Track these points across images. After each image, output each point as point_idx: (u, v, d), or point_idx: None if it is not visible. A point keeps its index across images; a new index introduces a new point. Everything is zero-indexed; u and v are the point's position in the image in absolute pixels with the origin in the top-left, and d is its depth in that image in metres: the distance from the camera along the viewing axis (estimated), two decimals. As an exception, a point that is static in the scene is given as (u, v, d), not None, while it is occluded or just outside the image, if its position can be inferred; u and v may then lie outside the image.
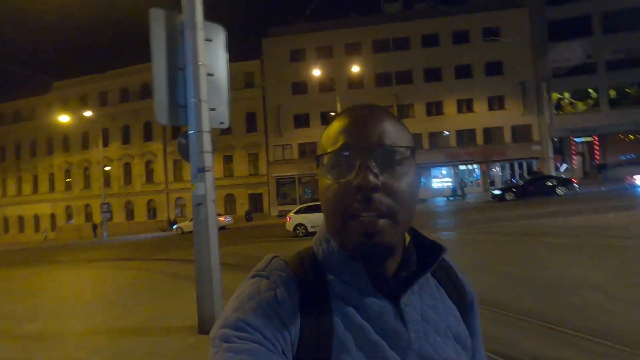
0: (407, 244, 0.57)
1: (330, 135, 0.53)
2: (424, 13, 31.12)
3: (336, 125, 0.53)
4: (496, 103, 29.54)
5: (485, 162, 29.19)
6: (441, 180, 29.99)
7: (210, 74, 4.06)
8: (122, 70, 33.98)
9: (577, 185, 18.68)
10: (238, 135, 30.68)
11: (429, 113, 30.17)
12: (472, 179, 29.97)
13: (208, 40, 4.07)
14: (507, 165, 29.41)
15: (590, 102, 28.22)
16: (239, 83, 30.81)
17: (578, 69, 28.02)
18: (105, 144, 31.98)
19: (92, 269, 10.96)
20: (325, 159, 0.51)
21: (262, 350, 0.45)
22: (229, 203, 31.35)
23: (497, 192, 19.81)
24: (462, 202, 23.96)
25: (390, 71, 30.31)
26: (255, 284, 0.51)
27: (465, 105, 29.93)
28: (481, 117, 29.46)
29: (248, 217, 27.52)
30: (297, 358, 0.48)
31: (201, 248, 3.95)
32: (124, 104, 33.54)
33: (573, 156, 28.91)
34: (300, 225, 13.86)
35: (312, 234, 12.35)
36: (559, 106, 28.70)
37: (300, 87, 30.80)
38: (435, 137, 30.01)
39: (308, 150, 30.70)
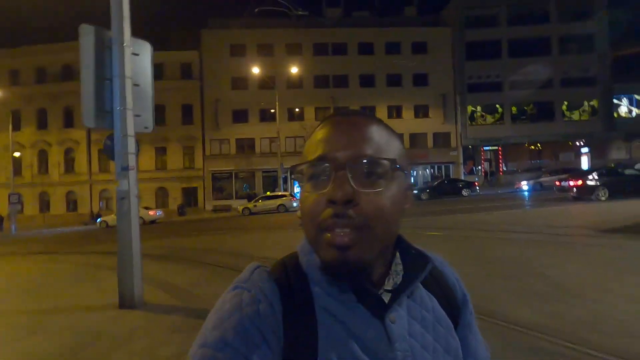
0: (392, 256, 0.56)
1: (311, 144, 0.52)
2: (361, 22, 33.12)
3: (317, 134, 0.52)
4: (421, 111, 32.62)
5: (411, 165, 32.07)
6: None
7: (136, 84, 4.64)
8: (39, 47, 30.82)
9: (477, 188, 21.83)
10: (173, 127, 29.80)
11: (362, 116, 32.24)
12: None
13: (135, 54, 4.65)
14: (429, 168, 32.74)
15: (497, 115, 32.58)
16: (175, 73, 29.98)
17: (488, 86, 32.19)
18: (17, 127, 28.87)
19: (1, 262, 10.43)
20: (303, 169, 0.50)
21: None
22: (161, 197, 30.39)
23: (414, 192, 22.34)
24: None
25: (328, 74, 31.78)
26: (236, 298, 0.49)
27: (395, 112, 32.56)
28: (408, 123, 32.31)
29: (181, 211, 27.05)
30: None
31: (124, 235, 4.49)
32: (41, 86, 30.48)
33: (482, 162, 33.11)
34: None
35: None
36: (472, 118, 32.66)
37: (240, 82, 30.88)
38: (367, 139, 32.18)
39: (246, 146, 30.97)
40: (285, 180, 29.99)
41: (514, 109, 32.44)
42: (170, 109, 29.79)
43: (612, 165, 21.11)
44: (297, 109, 31.55)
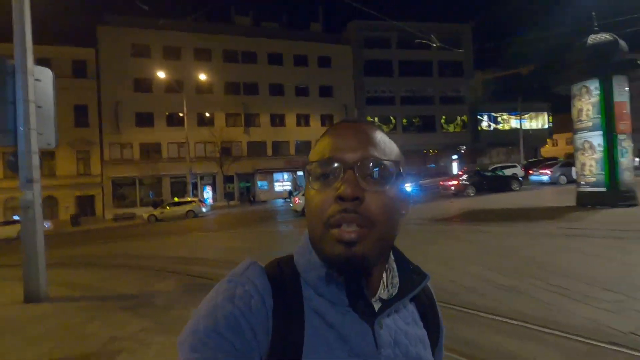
0: (388, 265, 0.58)
1: (319, 147, 0.54)
2: (270, 33, 34.57)
3: (325, 138, 0.55)
4: (327, 120, 35.40)
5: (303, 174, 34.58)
6: (282, 184, 33.86)
7: (39, 107, 5.23)
8: None
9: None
10: (63, 129, 26.91)
11: (273, 124, 33.65)
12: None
13: (37, 80, 5.25)
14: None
15: (391, 126, 37.25)
16: (66, 70, 27.29)
17: (384, 100, 36.67)
18: None
19: None
20: (312, 169, 0.52)
21: None
22: (50, 206, 27.26)
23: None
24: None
25: (238, 81, 32.42)
26: (230, 290, 0.50)
27: (303, 120, 34.75)
28: (315, 131, 34.75)
29: (75, 221, 24.74)
30: None
31: (29, 238, 4.93)
32: None
33: (380, 167, 37.35)
34: None
35: None
36: (371, 127, 36.65)
37: (144, 84, 29.54)
38: (277, 145, 33.69)
39: (151, 151, 29.68)
40: (194, 186, 29.61)
41: (404, 120, 37.53)
42: (60, 109, 26.91)
43: (477, 168, 26.39)
44: (207, 114, 31.43)
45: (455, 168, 31.33)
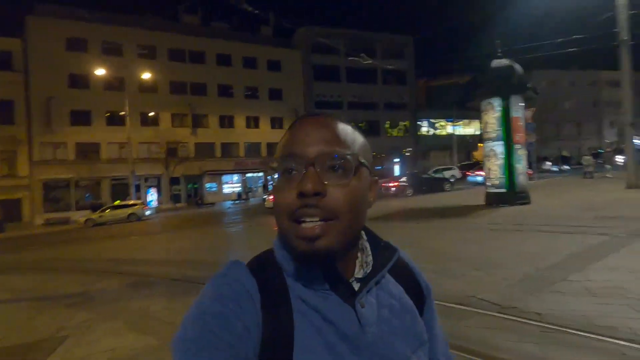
0: (360, 246, 0.59)
1: (282, 142, 0.55)
2: (219, 33, 34.27)
3: (287, 133, 0.56)
4: (277, 123, 35.87)
5: (268, 171, 34.96)
6: (231, 186, 33.69)
7: None
8: None
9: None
10: (-16, 126, 24.63)
11: (221, 125, 33.36)
12: (256, 185, 35.10)
13: None
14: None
15: (339, 130, 38.67)
16: (-12, 62, 24.94)
17: (332, 104, 38.03)
18: None
19: None
20: (275, 165, 0.53)
21: (225, 357, 0.45)
22: (-34, 211, 24.69)
23: (266, 196, 24.94)
24: (246, 204, 28.20)
25: (185, 81, 31.72)
26: (216, 290, 0.51)
27: (253, 122, 34.88)
28: (265, 133, 35.10)
29: (-2, 227, 22.69)
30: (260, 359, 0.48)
31: None
32: None
33: (329, 169, 38.67)
34: None
35: None
36: (320, 130, 37.84)
37: (80, 80, 27.79)
38: (227, 147, 33.48)
39: (89, 151, 28.02)
40: (137, 188, 28.46)
41: (352, 124, 39.12)
42: (-20, 104, 24.59)
43: (416, 170, 28.57)
44: (151, 114, 30.37)
45: (397, 170, 33.50)
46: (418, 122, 41.89)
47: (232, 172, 33.39)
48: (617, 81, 47.06)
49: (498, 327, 3.06)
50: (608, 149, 28.74)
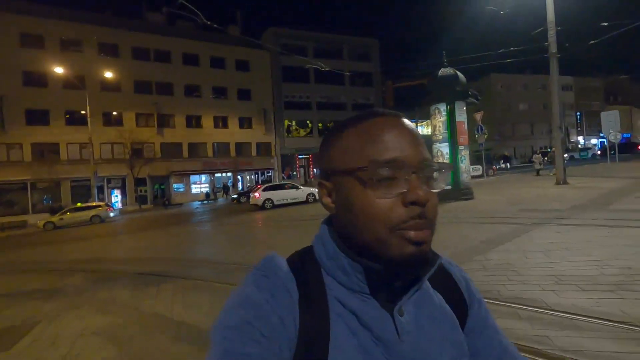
0: None
1: (365, 143, 0.52)
2: (186, 32, 33.90)
3: (371, 132, 0.52)
4: (246, 123, 36.03)
5: (237, 171, 35.06)
6: (200, 186, 33.50)
7: None
8: None
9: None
10: None
11: (189, 125, 33.07)
12: (226, 185, 35.08)
13: None
14: (253, 173, 36.51)
15: (308, 129, 39.42)
16: None
17: (301, 104, 38.66)
18: None
19: None
20: (368, 171, 0.50)
21: (260, 349, 0.45)
22: None
23: (234, 196, 25.22)
24: (214, 204, 28.23)
25: (150, 80, 31.20)
26: (256, 282, 0.52)
27: (221, 122, 34.82)
28: (234, 133, 35.16)
29: (-53, 233, 21.47)
30: (296, 356, 0.49)
31: None
32: None
33: (297, 168, 39.28)
34: (268, 199, 17.37)
35: (278, 206, 16.76)
36: (289, 130, 38.41)
37: (37, 78, 26.72)
38: (194, 147, 33.24)
39: (47, 152, 26.97)
40: (100, 190, 27.75)
41: (320, 125, 40.04)
42: None
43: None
44: (114, 113, 29.66)
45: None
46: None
47: (200, 172, 33.21)
48: (566, 85, 50.86)
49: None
50: (554, 149, 31.15)
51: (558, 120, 12.78)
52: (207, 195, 31.90)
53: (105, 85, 28.73)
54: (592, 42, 11.81)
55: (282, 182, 21.12)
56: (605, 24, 11.94)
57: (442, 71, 11.66)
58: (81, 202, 23.79)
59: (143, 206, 29.37)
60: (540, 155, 21.67)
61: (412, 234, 0.49)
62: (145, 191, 30.87)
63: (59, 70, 23.65)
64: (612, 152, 22.42)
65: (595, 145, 51.81)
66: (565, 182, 12.53)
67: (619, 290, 3.28)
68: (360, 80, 42.04)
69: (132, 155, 28.12)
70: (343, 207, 0.53)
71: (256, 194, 17.98)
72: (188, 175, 32.55)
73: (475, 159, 23.48)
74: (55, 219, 20.90)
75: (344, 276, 0.54)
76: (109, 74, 26.05)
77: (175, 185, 32.04)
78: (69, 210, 21.60)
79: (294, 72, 37.82)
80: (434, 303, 0.59)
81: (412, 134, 0.52)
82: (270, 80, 36.98)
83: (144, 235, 12.70)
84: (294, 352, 0.49)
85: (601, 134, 53.59)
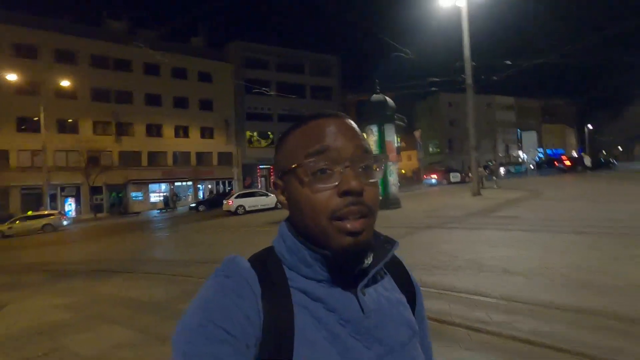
0: None
1: (304, 142, 0.55)
2: (147, 42, 34.11)
3: (310, 132, 0.55)
4: (207, 133, 36.63)
5: (197, 180, 35.46)
6: (159, 195, 33.52)
7: None
8: None
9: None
10: None
11: (149, 133, 33.20)
12: (185, 194, 35.29)
13: None
14: (214, 183, 37.03)
15: (269, 140, 40.66)
16: None
17: (262, 116, 39.90)
18: None
19: None
20: (304, 166, 0.53)
21: (227, 348, 0.46)
22: None
23: (193, 205, 25.88)
24: (172, 212, 28.56)
25: (109, 88, 31.17)
26: (218, 283, 0.52)
27: (182, 131, 35.20)
28: (195, 143, 35.64)
29: None
30: (262, 351, 0.49)
31: None
32: None
33: (259, 178, 40.28)
34: (240, 206, 18.87)
35: (250, 212, 18.59)
36: (250, 141, 39.43)
37: (-15, 83, 26.02)
38: (154, 155, 33.33)
39: (-5, 158, 26.19)
40: (53, 198, 27.21)
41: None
42: None
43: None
44: (70, 121, 29.31)
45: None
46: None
47: (159, 181, 33.30)
48: (508, 105, 55.75)
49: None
50: (494, 162, 34.52)
51: (473, 141, 15.03)
52: (166, 203, 32.04)
53: (61, 93, 28.40)
54: (495, 78, 14.17)
55: (254, 190, 22.58)
56: (509, 62, 14.41)
57: (374, 97, 13.51)
58: (32, 211, 23.37)
59: (98, 215, 29.05)
60: (482, 168, 23.81)
61: (348, 225, 0.51)
62: (101, 200, 30.54)
63: (11, 77, 23.36)
64: (532, 168, 25.63)
65: (533, 159, 57.12)
66: (479, 194, 14.73)
67: (457, 272, 4.74)
68: (321, 94, 44.06)
69: (88, 163, 27.89)
70: (292, 203, 0.57)
71: (229, 201, 19.34)
72: (147, 183, 32.55)
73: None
74: (4, 227, 20.50)
75: (307, 268, 0.56)
76: (65, 82, 25.94)
77: (133, 194, 31.91)
78: (19, 219, 21.25)
79: (256, 84, 39.01)
80: (390, 287, 0.63)
81: (348, 128, 0.56)
82: (233, 92, 37.92)
83: (97, 241, 13.29)
84: (260, 347, 0.49)
85: (539, 150, 59.36)
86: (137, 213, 29.89)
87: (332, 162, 0.52)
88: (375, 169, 0.55)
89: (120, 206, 30.68)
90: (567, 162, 30.05)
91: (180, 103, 34.97)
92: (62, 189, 28.57)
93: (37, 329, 3.91)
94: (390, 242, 0.61)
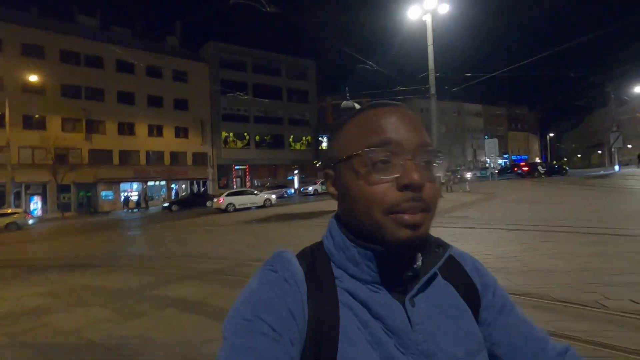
0: None
1: (363, 132, 0.53)
2: (120, 39, 33.60)
3: (369, 122, 0.53)
4: (182, 132, 36.36)
5: (170, 180, 35.12)
6: (131, 194, 32.95)
7: None
8: None
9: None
10: None
11: (120, 132, 32.62)
12: (158, 194, 34.88)
13: None
14: (189, 183, 36.76)
15: (245, 141, 40.78)
16: None
17: (238, 117, 39.99)
18: None
19: None
20: (363, 157, 0.51)
21: (269, 342, 0.46)
22: None
23: (166, 204, 25.78)
24: (145, 212, 28.23)
25: (79, 85, 30.47)
26: (265, 277, 0.52)
27: (156, 130, 34.79)
28: (169, 142, 35.30)
29: None
30: (305, 349, 0.49)
31: None
32: None
33: (234, 179, 40.30)
34: (230, 204, 19.56)
35: (240, 209, 19.14)
36: (226, 142, 39.42)
37: (-54, 75, 24.90)
38: (126, 154, 32.77)
39: (-46, 155, 25.01)
40: (17, 196, 26.27)
41: (257, 137, 41.65)
42: None
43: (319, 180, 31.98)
44: (37, 117, 28.42)
45: (296, 181, 36.85)
46: (319, 138, 46.31)
47: (131, 180, 32.76)
48: (477, 112, 58.48)
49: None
50: (462, 167, 36.24)
51: (436, 147, 16.06)
52: (138, 203, 31.59)
53: (28, 87, 27.55)
54: (455, 88, 15.29)
55: (243, 189, 23.46)
56: (469, 74, 15.55)
57: (344, 104, 14.27)
58: (-6, 209, 22.52)
59: (66, 214, 28.28)
60: (450, 173, 24.76)
61: (406, 217, 0.49)
62: (69, 198, 29.73)
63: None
64: (495, 172, 27.34)
65: (499, 164, 60.06)
66: (441, 197, 15.77)
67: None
68: (297, 97, 44.64)
69: (55, 160, 27.14)
70: (343, 194, 0.55)
71: (220, 199, 20.00)
72: (118, 183, 31.97)
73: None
74: (-37, 226, 19.74)
75: (354, 267, 0.54)
76: (32, 77, 25.23)
77: (103, 193, 31.25)
78: (-20, 217, 20.50)
79: (232, 85, 39.06)
80: (446, 294, 0.59)
81: (411, 120, 0.53)
82: (208, 92, 37.83)
83: (65, 240, 13.25)
84: (304, 345, 0.49)
85: (504, 155, 62.50)
86: (107, 212, 29.32)
87: (394, 154, 0.51)
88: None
89: (89, 205, 29.97)
90: (525, 168, 32.38)
91: (155, 102, 34.58)
92: (27, 187, 27.64)
93: (22, 311, 4.28)
94: (443, 246, 0.59)
